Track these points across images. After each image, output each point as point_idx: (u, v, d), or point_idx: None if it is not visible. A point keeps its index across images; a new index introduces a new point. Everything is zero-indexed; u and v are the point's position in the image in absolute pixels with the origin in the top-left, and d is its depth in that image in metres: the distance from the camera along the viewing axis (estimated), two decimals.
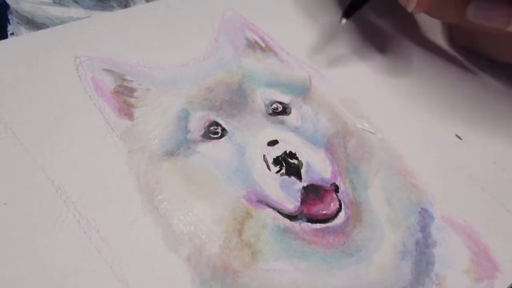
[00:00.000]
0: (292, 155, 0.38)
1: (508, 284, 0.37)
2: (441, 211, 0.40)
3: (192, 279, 0.32)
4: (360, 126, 0.43)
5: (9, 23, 0.41)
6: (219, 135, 0.39)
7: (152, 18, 0.45)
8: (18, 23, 0.41)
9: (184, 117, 0.39)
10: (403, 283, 0.35)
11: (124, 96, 0.39)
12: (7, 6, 0.41)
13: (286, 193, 0.37)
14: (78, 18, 0.43)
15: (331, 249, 0.36)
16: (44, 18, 0.42)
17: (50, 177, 0.34)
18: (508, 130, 0.46)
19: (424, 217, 0.39)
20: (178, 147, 0.37)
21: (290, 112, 0.42)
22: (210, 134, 0.39)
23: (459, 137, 0.45)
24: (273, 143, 0.39)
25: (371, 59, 0.49)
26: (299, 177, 0.38)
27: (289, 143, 0.39)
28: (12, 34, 0.40)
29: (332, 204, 0.37)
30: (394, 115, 0.45)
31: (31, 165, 0.34)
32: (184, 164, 0.37)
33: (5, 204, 0.32)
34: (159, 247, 0.33)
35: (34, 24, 0.41)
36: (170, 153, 0.37)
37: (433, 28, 0.54)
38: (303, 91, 0.44)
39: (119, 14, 0.45)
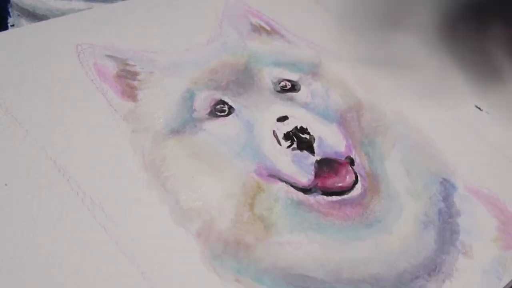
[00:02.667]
0: (303, 130, 0.37)
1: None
2: (464, 181, 0.38)
3: (203, 254, 0.30)
4: None
5: (10, 16, 0.40)
6: (226, 113, 0.38)
7: (154, 6, 0.45)
8: (18, 15, 0.41)
9: (189, 97, 0.38)
10: (427, 252, 0.33)
11: (127, 80, 0.38)
12: None
13: (298, 167, 0.35)
14: (79, 10, 0.42)
15: (349, 221, 0.34)
16: (45, 10, 0.41)
17: (52, 157, 0.32)
18: None
19: (446, 187, 0.37)
20: (184, 126, 0.36)
21: (299, 89, 0.41)
22: (216, 112, 0.37)
23: (479, 108, 0.43)
24: (282, 119, 0.37)
25: (383, 36, 0.48)
26: (311, 151, 0.36)
27: (299, 118, 0.38)
28: (12, 26, 0.40)
29: (347, 176, 0.36)
30: (409, 89, 0.43)
31: (32, 146, 0.33)
32: (190, 141, 0.35)
33: (6, 185, 0.31)
34: (167, 222, 0.31)
35: (35, 16, 0.41)
36: (176, 131, 0.36)
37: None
38: (313, 68, 0.43)
39: (120, 4, 0.44)
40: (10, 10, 0.41)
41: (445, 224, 0.35)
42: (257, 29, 0.45)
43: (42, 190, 0.31)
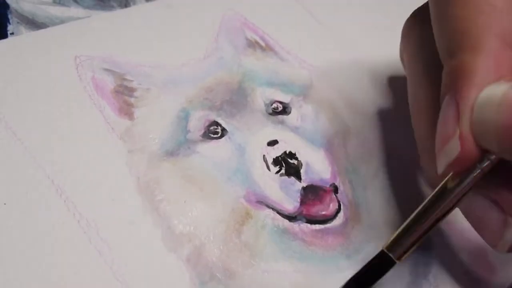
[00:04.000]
0: (292, 155, 0.38)
1: (506, 287, 0.37)
2: None
3: (191, 280, 0.32)
4: None
5: (9, 23, 0.41)
6: (219, 135, 0.39)
7: (152, 18, 0.45)
8: (18, 22, 0.41)
9: (184, 117, 0.39)
10: (401, 285, 0.35)
11: (124, 96, 0.39)
12: (7, 6, 0.41)
13: (285, 193, 0.37)
14: (78, 18, 0.43)
15: (330, 251, 0.36)
16: (44, 17, 0.42)
17: (50, 176, 0.34)
18: None
19: None
20: (178, 147, 0.37)
21: (290, 112, 0.42)
22: (210, 134, 0.39)
23: None
24: (273, 143, 0.39)
25: (374, 57, 0.49)
26: (298, 177, 0.38)
27: (289, 143, 0.39)
28: (12, 33, 0.40)
29: (331, 204, 0.38)
30: (395, 115, 0.45)
31: (31, 164, 0.34)
32: (184, 164, 0.37)
33: (5, 204, 0.32)
34: (159, 247, 0.33)
35: (34, 23, 0.41)
36: (170, 153, 0.37)
37: None
38: (304, 90, 0.44)
39: (119, 14, 0.45)
40: (9, 17, 0.41)
41: (419, 257, 0.37)
42: (252, 45, 0.46)
43: (40, 211, 0.32)
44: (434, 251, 0.38)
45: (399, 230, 0.30)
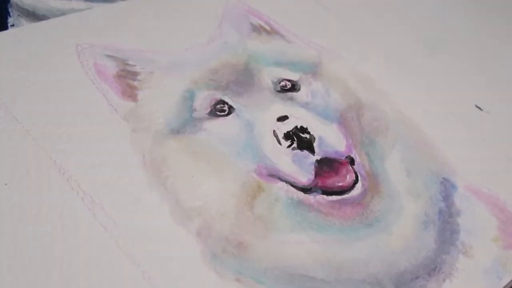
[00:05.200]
0: (303, 129, 0.37)
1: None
2: (464, 181, 0.38)
3: (203, 253, 0.30)
4: None
5: (10, 16, 0.40)
6: (226, 112, 0.38)
7: (154, 7, 0.45)
8: (18, 15, 0.41)
9: (190, 97, 0.38)
10: (427, 252, 0.33)
11: (127, 80, 0.38)
12: None
13: (299, 166, 0.35)
14: (79, 10, 0.42)
15: (349, 221, 0.34)
16: (45, 10, 0.41)
17: (52, 157, 0.32)
18: None
19: (446, 187, 0.37)
20: (184, 125, 0.36)
21: (299, 89, 0.40)
22: (216, 112, 0.37)
23: (479, 108, 0.43)
24: (283, 118, 0.37)
25: (383, 35, 0.48)
26: (311, 150, 0.36)
27: (299, 118, 0.38)
28: (12, 26, 0.40)
29: (348, 176, 0.36)
30: (409, 88, 0.43)
31: (32, 146, 0.33)
32: (190, 141, 0.35)
33: (6, 184, 0.31)
34: (167, 222, 0.31)
35: (35, 16, 0.41)
36: (176, 131, 0.36)
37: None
38: (313, 68, 0.43)
39: (120, 4, 0.44)
40: (10, 10, 0.41)
41: (445, 224, 0.35)
42: (257, 29, 0.45)
43: (42, 190, 0.31)
44: (461, 218, 0.35)
45: None
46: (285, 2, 0.50)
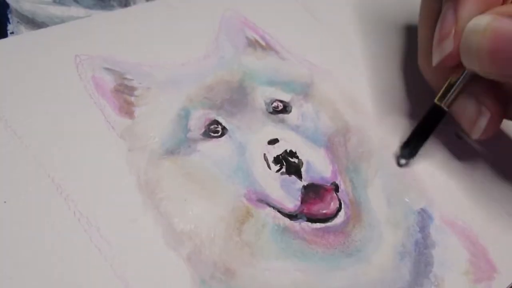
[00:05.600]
0: (292, 154, 0.38)
1: (506, 286, 0.37)
2: (441, 212, 0.40)
3: (192, 278, 0.32)
4: None
5: (9, 22, 0.41)
6: (219, 133, 0.39)
7: (152, 17, 0.45)
8: (18, 22, 0.41)
9: (185, 115, 0.39)
10: (402, 283, 0.35)
11: (124, 95, 0.39)
12: (6, 5, 0.41)
13: (286, 192, 0.37)
14: (78, 17, 0.43)
15: (331, 249, 0.36)
16: (44, 17, 0.42)
17: (50, 175, 0.34)
18: (508, 131, 0.46)
19: (424, 218, 0.39)
20: (179, 146, 0.37)
21: (290, 111, 0.42)
22: (210, 133, 0.39)
23: (459, 137, 0.45)
24: (273, 141, 0.39)
25: (375, 57, 0.49)
26: (299, 176, 0.38)
27: (289, 142, 0.39)
28: (12, 33, 0.40)
29: (332, 203, 0.37)
30: (394, 114, 0.45)
31: (31, 163, 0.34)
32: (184, 162, 0.37)
33: (5, 202, 0.32)
34: (159, 246, 0.33)
35: (34, 23, 0.41)
36: (171, 152, 0.37)
37: None
38: (305, 89, 0.44)
39: (119, 13, 0.44)
40: (9, 16, 0.41)
41: (421, 256, 0.37)
42: (253, 44, 0.46)
43: (41, 208, 0.32)
44: (435, 250, 0.37)
45: (444, 86, 0.39)
46: (281, 15, 0.50)
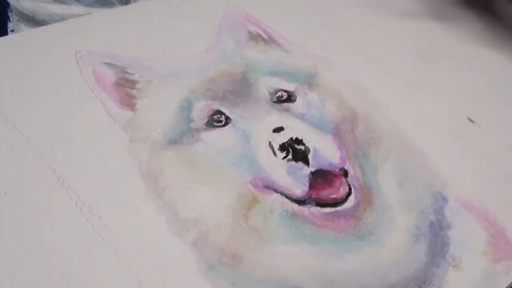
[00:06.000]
0: (298, 141, 0.38)
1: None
2: (456, 194, 0.38)
3: (199, 264, 0.31)
4: None
5: (9, 21, 0.41)
6: (222, 123, 0.38)
7: (152, 14, 0.45)
8: (18, 20, 0.41)
9: (187, 107, 0.38)
10: (418, 265, 0.34)
11: (125, 88, 0.38)
12: (7, 4, 0.41)
13: (293, 178, 0.36)
14: (79, 15, 0.43)
15: (342, 233, 0.35)
16: (44, 15, 0.42)
17: (51, 166, 0.33)
18: None
19: (438, 200, 0.38)
20: (181, 136, 0.37)
21: (295, 100, 0.41)
22: (213, 123, 0.38)
23: (471, 120, 0.44)
24: (278, 129, 0.38)
25: (380, 45, 0.48)
26: (306, 162, 0.37)
27: (295, 129, 0.38)
28: (12, 31, 0.40)
29: (341, 188, 0.36)
30: (403, 100, 0.44)
31: (31, 155, 0.33)
32: (187, 152, 0.36)
33: (5, 193, 0.31)
34: (164, 233, 0.32)
35: (34, 21, 0.41)
36: (173, 142, 0.36)
37: (444, 13, 0.53)
38: (309, 78, 0.43)
39: (119, 10, 0.44)
40: (10, 14, 0.41)
41: (436, 237, 0.36)
42: (255, 38, 0.46)
43: (41, 199, 0.32)
44: (451, 231, 0.36)
45: None
46: (284, 9, 0.50)
